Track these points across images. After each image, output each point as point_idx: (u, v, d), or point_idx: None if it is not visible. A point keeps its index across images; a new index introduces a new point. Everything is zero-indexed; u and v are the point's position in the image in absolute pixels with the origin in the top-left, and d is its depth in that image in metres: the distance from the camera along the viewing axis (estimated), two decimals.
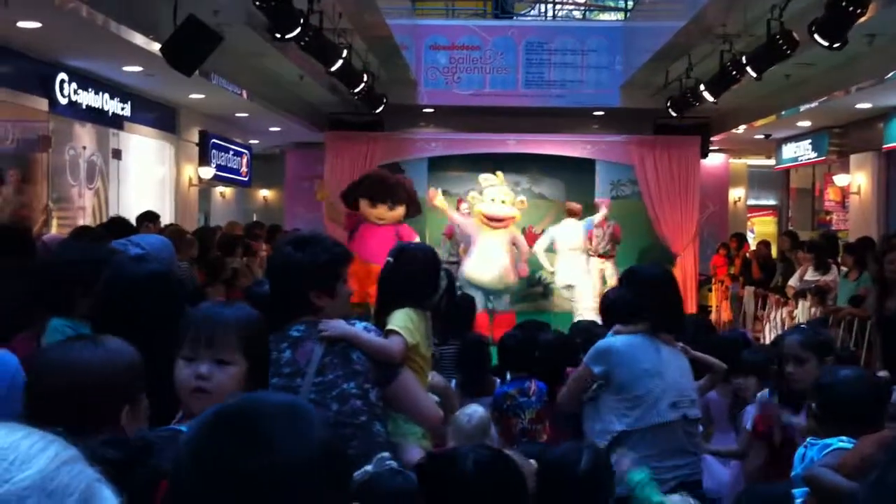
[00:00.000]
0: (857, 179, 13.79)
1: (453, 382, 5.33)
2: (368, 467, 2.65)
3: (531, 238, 14.46)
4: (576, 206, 14.04)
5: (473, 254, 12.53)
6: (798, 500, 2.93)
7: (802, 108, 12.54)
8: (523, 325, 5.91)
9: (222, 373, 2.13)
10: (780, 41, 8.56)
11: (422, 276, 3.40)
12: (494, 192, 12.62)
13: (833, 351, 3.86)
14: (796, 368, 3.78)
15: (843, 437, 2.85)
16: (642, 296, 4.03)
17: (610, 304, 4.16)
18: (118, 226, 6.85)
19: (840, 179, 14.45)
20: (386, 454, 2.74)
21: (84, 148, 10.26)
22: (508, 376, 5.26)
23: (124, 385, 2.05)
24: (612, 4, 19.10)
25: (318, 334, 2.82)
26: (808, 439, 3.01)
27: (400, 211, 10.91)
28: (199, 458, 1.26)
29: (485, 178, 12.89)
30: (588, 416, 4.03)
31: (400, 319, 3.16)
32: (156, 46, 8.22)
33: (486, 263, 12.32)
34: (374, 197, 10.86)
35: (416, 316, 3.24)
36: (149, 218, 8.35)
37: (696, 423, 3.97)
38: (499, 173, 12.93)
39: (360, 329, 2.90)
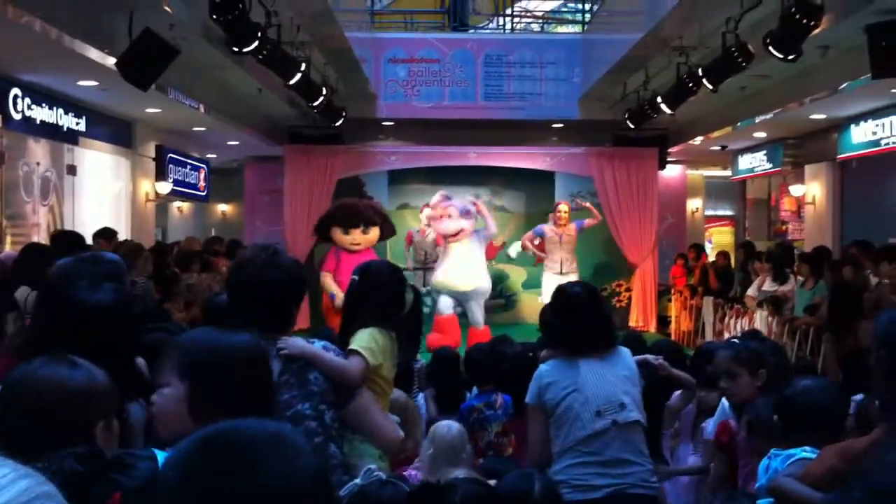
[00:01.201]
0: (812, 189, 13.98)
1: (421, 397, 5.32)
2: (357, 480, 2.62)
3: (492, 250, 14.49)
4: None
5: (443, 261, 12.61)
6: None
7: (758, 119, 12.70)
8: (496, 339, 5.92)
9: (160, 396, 2.17)
10: (736, 54, 8.66)
11: (387, 294, 3.36)
12: (442, 209, 12.60)
13: (764, 364, 3.89)
14: (729, 383, 3.86)
15: (807, 447, 2.86)
16: (565, 319, 4.00)
17: (544, 327, 4.16)
18: (66, 241, 6.73)
19: (795, 190, 14.64)
20: (373, 466, 2.71)
21: (38, 164, 10.11)
22: (475, 390, 5.25)
23: (99, 404, 2.08)
24: (569, 17, 19.24)
25: (277, 352, 2.78)
26: (771, 450, 3.02)
27: (374, 233, 11.07)
28: (183, 481, 1.24)
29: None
30: None
31: (363, 340, 3.12)
32: (111, 61, 8.13)
33: (453, 270, 12.41)
34: (345, 223, 10.96)
35: (381, 336, 3.20)
36: (104, 235, 8.24)
37: (636, 428, 3.87)
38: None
39: (318, 348, 2.86)
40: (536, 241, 13.75)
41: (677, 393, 4.64)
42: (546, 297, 13.33)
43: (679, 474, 4.66)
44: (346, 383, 2.88)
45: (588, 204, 14.32)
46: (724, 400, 4.17)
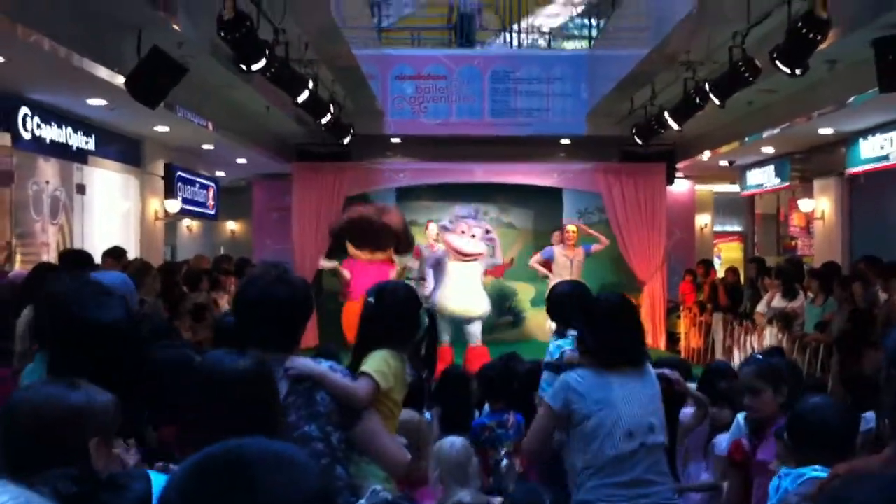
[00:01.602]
0: (821, 204, 13.94)
1: (427, 415, 5.29)
2: (362, 501, 2.61)
3: (499, 269, 14.49)
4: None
5: (445, 283, 12.23)
6: None
7: (765, 134, 12.67)
8: (505, 356, 5.88)
9: None
10: (743, 68, 8.65)
11: (402, 316, 3.35)
12: (465, 226, 12.34)
13: (785, 380, 3.85)
14: (753, 400, 3.80)
15: (817, 466, 2.83)
16: (598, 329, 3.91)
17: (580, 340, 4.03)
18: (74, 260, 6.75)
19: (804, 205, 14.59)
20: (378, 486, 2.69)
21: (47, 183, 10.14)
22: (487, 408, 5.22)
23: (97, 423, 2.10)
24: (576, 33, 19.26)
25: (284, 372, 2.76)
26: (781, 469, 3.00)
27: (389, 254, 10.59)
28: (183, 500, 1.23)
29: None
30: (564, 453, 3.96)
31: (376, 363, 3.10)
32: (120, 79, 8.16)
33: (457, 293, 12.10)
34: (357, 244, 10.53)
35: (394, 359, 3.18)
36: (113, 254, 8.25)
37: (661, 449, 3.85)
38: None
39: (326, 368, 2.85)
40: (547, 265, 13.52)
41: (689, 410, 4.61)
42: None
43: (691, 490, 4.63)
44: (352, 405, 2.87)
45: (593, 232, 14.14)
46: (738, 417, 4.14)
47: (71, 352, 2.55)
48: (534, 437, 3.92)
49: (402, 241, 10.65)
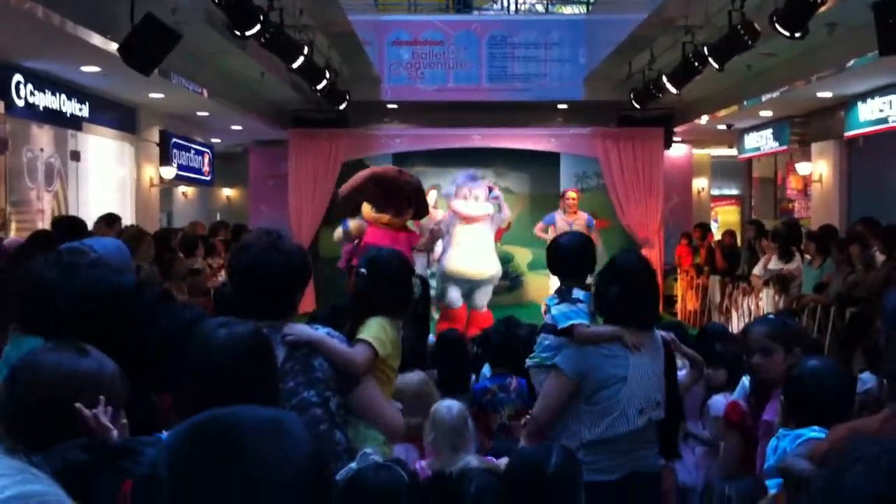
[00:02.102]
0: (819, 168, 13.91)
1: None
2: (353, 464, 2.62)
3: (498, 232, 14.47)
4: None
5: (452, 247, 12.07)
6: (772, 491, 2.92)
7: (764, 97, 12.62)
8: (505, 320, 5.88)
9: None
10: (742, 32, 8.60)
11: (396, 285, 3.34)
12: (466, 191, 12.23)
13: (801, 341, 3.82)
14: (763, 360, 3.73)
15: (815, 427, 2.84)
16: (629, 291, 3.86)
17: (597, 299, 3.98)
18: (68, 227, 6.73)
19: (802, 168, 14.57)
20: (369, 449, 2.70)
21: (42, 150, 10.10)
22: (488, 371, 5.23)
23: (106, 391, 2.05)
24: None
25: (282, 339, 2.76)
26: (780, 430, 3.01)
27: (408, 217, 9.73)
28: (173, 467, 1.23)
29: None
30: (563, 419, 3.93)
31: (373, 330, 3.09)
32: (113, 46, 8.10)
33: (466, 256, 11.97)
34: (377, 205, 9.52)
35: (390, 327, 3.19)
36: (107, 220, 8.23)
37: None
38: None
39: (323, 335, 2.84)
40: (548, 230, 13.47)
41: (683, 371, 4.61)
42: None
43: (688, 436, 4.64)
44: (350, 371, 2.87)
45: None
46: (744, 379, 4.15)
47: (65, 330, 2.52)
48: (549, 410, 3.86)
49: (421, 204, 9.91)
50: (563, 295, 3.88)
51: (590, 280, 4.15)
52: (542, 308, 4.10)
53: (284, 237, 2.93)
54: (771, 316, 4.18)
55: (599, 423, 3.73)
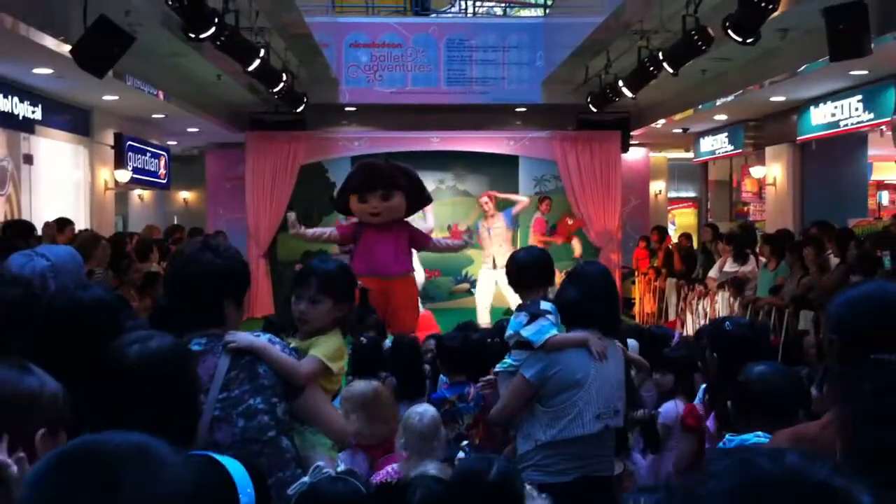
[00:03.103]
0: (773, 171, 14.10)
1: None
2: (305, 478, 2.60)
3: (456, 235, 14.49)
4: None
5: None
6: None
7: (719, 101, 12.76)
8: (462, 326, 5.84)
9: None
10: (696, 37, 8.68)
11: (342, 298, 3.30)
12: None
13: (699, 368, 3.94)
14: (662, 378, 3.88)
15: (759, 433, 2.87)
16: (593, 298, 3.95)
17: (561, 307, 4.05)
18: (18, 230, 6.63)
19: (756, 171, 14.75)
20: (321, 463, 2.68)
21: None
22: (444, 379, 5.19)
23: (45, 412, 1.96)
24: (532, 0, 19.20)
25: (224, 346, 2.74)
26: (726, 435, 3.04)
27: (398, 201, 8.49)
28: (40, 499, 1.17)
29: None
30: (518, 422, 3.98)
31: (328, 349, 3.05)
32: (66, 48, 7.99)
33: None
34: (361, 188, 8.42)
35: (340, 340, 3.17)
36: (59, 225, 8.12)
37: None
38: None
39: (266, 342, 2.82)
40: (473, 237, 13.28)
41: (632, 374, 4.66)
42: (481, 294, 13.11)
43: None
44: (292, 382, 2.85)
45: (512, 196, 13.93)
46: (703, 386, 4.23)
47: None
48: (506, 410, 3.93)
49: (418, 191, 8.69)
50: (530, 310, 3.92)
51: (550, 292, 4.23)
52: (508, 327, 4.07)
53: (219, 245, 2.90)
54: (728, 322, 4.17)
55: (555, 424, 3.79)
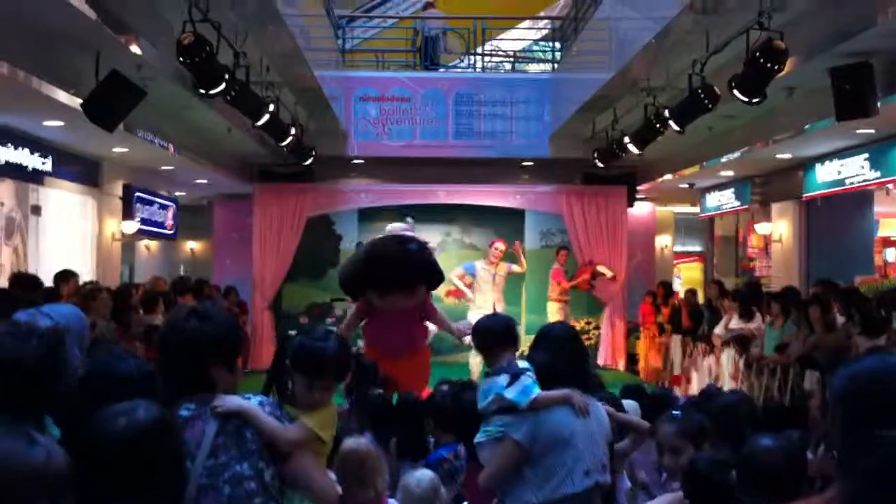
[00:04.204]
0: (779, 227, 14.11)
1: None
2: None
3: (461, 290, 14.49)
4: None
5: None
6: None
7: (724, 158, 12.80)
8: (454, 385, 5.80)
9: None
10: (702, 95, 8.73)
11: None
12: None
13: (707, 437, 3.92)
14: (672, 459, 3.89)
15: None
16: (561, 357, 4.01)
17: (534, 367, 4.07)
18: (25, 283, 6.65)
19: (762, 228, 14.76)
20: None
21: (2, 204, 10.01)
22: (432, 438, 5.14)
23: (53, 485, 1.96)
24: (540, 56, 19.38)
25: (212, 410, 2.73)
26: None
27: (420, 293, 7.95)
28: None
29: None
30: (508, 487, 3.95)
31: (320, 417, 3.04)
32: (77, 101, 8.07)
33: None
34: (382, 289, 7.80)
35: (334, 407, 3.15)
36: (63, 277, 8.14)
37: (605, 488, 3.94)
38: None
39: (255, 406, 2.81)
40: (467, 280, 13.20)
41: (627, 438, 4.63)
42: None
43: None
44: (280, 448, 2.83)
45: (521, 255, 13.92)
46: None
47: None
48: (497, 475, 3.90)
49: (434, 272, 8.12)
50: (509, 370, 3.92)
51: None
52: (484, 391, 4.06)
53: (207, 310, 2.90)
54: (676, 413, 4.19)
55: (545, 485, 3.78)
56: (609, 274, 15.23)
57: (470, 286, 13.15)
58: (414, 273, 7.80)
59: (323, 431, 3.00)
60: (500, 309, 12.52)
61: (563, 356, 4.01)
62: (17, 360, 2.53)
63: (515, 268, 13.47)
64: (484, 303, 12.75)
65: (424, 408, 5.57)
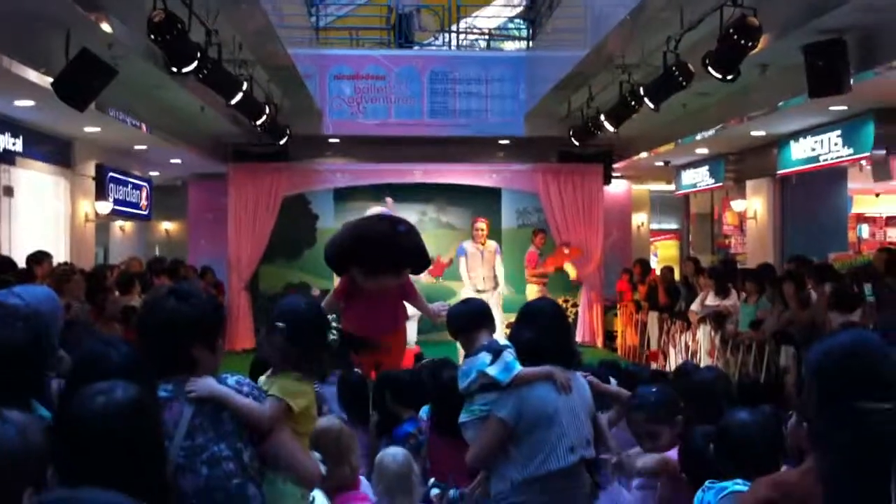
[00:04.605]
0: (754, 204, 14.19)
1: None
2: None
3: (439, 267, 14.50)
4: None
5: None
6: None
7: (699, 135, 12.84)
8: (437, 363, 5.89)
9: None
10: (676, 73, 8.75)
11: (313, 343, 3.26)
12: None
13: (678, 408, 3.95)
14: (653, 443, 3.92)
15: (739, 480, 2.87)
16: (546, 334, 4.01)
17: (517, 346, 4.07)
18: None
19: (737, 205, 14.84)
20: None
21: None
22: (426, 412, 5.20)
23: (32, 467, 1.93)
24: (515, 34, 19.33)
25: (186, 394, 2.71)
26: (706, 482, 3.03)
27: (404, 275, 7.91)
28: None
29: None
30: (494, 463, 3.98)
31: (285, 386, 3.03)
32: (48, 81, 7.97)
33: None
34: (370, 271, 7.66)
35: (303, 381, 3.12)
36: (36, 258, 8.07)
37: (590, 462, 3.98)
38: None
39: (230, 387, 2.79)
40: (462, 260, 13.24)
41: (612, 410, 4.66)
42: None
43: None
44: (258, 427, 2.82)
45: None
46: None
47: None
48: (482, 453, 3.92)
49: (421, 255, 8.02)
50: (490, 347, 3.93)
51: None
52: (467, 370, 4.06)
53: (187, 290, 2.88)
54: (645, 391, 4.16)
55: (530, 461, 3.81)
56: (573, 275, 15.24)
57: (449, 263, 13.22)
58: (403, 255, 7.75)
59: (292, 400, 2.98)
60: (487, 286, 12.79)
61: (548, 333, 4.02)
62: (3, 344, 2.53)
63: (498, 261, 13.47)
64: (473, 280, 12.87)
65: (367, 387, 5.66)
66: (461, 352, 11.77)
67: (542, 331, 4.02)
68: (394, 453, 4.01)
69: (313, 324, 3.23)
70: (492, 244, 13.15)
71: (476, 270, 13.00)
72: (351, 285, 7.73)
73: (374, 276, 7.59)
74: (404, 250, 7.75)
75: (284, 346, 3.13)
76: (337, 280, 9.01)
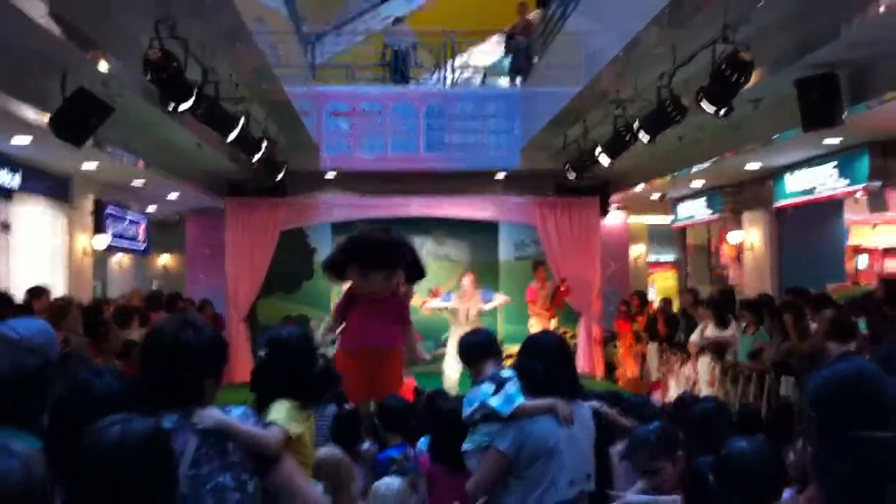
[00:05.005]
0: (750, 236, 14.22)
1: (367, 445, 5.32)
2: None
3: (436, 296, 14.48)
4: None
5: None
6: None
7: (695, 168, 12.89)
8: (431, 394, 5.94)
9: None
10: (670, 108, 8.80)
11: (297, 367, 3.29)
12: None
13: (678, 442, 3.93)
14: (655, 480, 3.88)
15: None
16: (550, 365, 4.02)
17: (524, 378, 4.10)
18: None
19: (733, 237, 14.88)
20: None
21: None
22: (424, 443, 5.19)
23: (37, 500, 1.93)
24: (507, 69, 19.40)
25: (192, 426, 2.71)
26: None
27: (398, 280, 8.14)
28: None
29: None
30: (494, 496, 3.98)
31: (278, 412, 3.05)
32: (45, 118, 8.01)
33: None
34: (365, 263, 7.94)
35: (297, 409, 3.15)
36: (34, 293, 8.06)
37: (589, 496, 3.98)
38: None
39: (235, 417, 2.80)
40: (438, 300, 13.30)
41: (620, 447, 4.65)
42: (452, 352, 12.96)
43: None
44: (264, 454, 2.82)
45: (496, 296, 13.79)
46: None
47: None
48: (482, 483, 3.94)
49: (416, 263, 8.26)
50: (494, 379, 3.96)
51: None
52: (470, 399, 4.12)
53: (198, 322, 2.89)
54: (645, 429, 4.13)
55: (530, 494, 3.81)
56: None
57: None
58: (394, 251, 8.03)
59: (289, 425, 3.00)
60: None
61: (552, 365, 4.04)
62: (15, 371, 2.56)
63: (498, 299, 13.43)
64: (461, 315, 12.81)
65: (359, 418, 5.70)
66: (448, 379, 11.74)
67: (546, 362, 4.03)
68: (388, 483, 4.03)
69: (294, 349, 3.25)
70: (476, 300, 12.98)
71: (460, 328, 12.37)
72: (349, 300, 8.00)
73: (367, 273, 7.85)
74: (396, 246, 8.08)
75: (270, 373, 3.15)
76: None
